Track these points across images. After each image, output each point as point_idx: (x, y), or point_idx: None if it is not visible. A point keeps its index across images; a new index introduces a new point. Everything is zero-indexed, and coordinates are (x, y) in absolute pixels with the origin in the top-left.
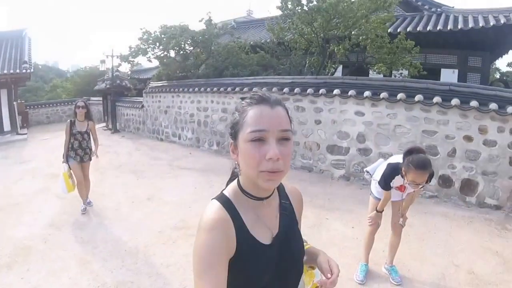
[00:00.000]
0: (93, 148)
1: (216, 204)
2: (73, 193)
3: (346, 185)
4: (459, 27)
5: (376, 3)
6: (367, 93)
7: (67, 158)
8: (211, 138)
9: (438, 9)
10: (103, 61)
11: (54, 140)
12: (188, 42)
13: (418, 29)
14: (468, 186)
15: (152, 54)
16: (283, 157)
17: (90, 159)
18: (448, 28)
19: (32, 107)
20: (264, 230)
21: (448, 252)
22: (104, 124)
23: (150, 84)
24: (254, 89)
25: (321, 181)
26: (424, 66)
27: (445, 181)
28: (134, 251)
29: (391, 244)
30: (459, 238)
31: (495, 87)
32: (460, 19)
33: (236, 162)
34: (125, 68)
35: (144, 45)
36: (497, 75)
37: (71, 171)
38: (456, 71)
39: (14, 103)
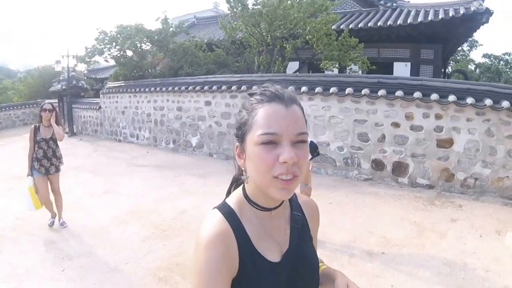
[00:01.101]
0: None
1: (218, 215)
2: None
3: None
4: (409, 21)
5: (314, 7)
6: (303, 89)
7: (32, 170)
8: (167, 136)
9: (394, 4)
10: (58, 61)
11: (9, 146)
12: (144, 42)
13: (369, 25)
14: (399, 168)
15: (109, 54)
16: (299, 161)
17: (57, 170)
18: (398, 23)
19: None
20: (273, 246)
21: (366, 222)
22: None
23: (107, 85)
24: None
25: None
26: (377, 60)
27: (378, 165)
28: (92, 231)
29: None
30: (382, 212)
31: (423, 78)
32: (413, 13)
33: (243, 168)
34: (81, 67)
35: (101, 45)
36: (472, 67)
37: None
38: (409, 64)
39: None
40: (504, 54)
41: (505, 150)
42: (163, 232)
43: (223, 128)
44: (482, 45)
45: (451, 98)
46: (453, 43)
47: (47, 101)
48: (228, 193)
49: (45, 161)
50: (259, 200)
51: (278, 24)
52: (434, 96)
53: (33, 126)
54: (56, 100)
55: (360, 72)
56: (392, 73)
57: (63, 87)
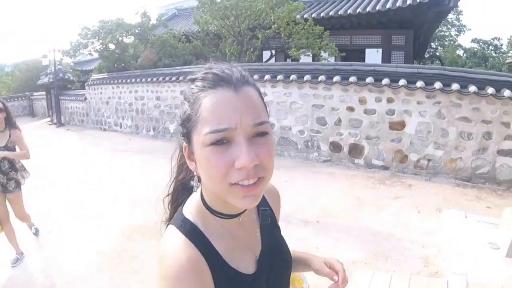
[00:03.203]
0: (22, 170)
1: (179, 237)
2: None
3: None
4: (378, 8)
5: None
6: (267, 77)
7: None
8: (148, 124)
9: None
10: (45, 56)
11: None
12: (124, 35)
13: (339, 13)
14: (355, 150)
15: (92, 48)
16: (262, 160)
17: (18, 186)
18: (368, 10)
19: None
20: (245, 254)
21: (313, 197)
22: (49, 119)
23: (92, 77)
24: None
25: None
26: (350, 47)
27: (335, 147)
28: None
29: None
30: (331, 189)
31: (376, 63)
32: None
33: (195, 174)
34: (68, 60)
35: (84, 40)
36: (460, 52)
37: None
38: (380, 50)
39: None
40: (493, 39)
41: (456, 132)
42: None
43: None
44: (470, 29)
45: (401, 82)
46: (425, 28)
47: None
48: (173, 202)
49: (0, 176)
50: (222, 208)
51: (244, 16)
52: (385, 81)
53: None
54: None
55: (332, 59)
56: (364, 60)
57: (50, 80)
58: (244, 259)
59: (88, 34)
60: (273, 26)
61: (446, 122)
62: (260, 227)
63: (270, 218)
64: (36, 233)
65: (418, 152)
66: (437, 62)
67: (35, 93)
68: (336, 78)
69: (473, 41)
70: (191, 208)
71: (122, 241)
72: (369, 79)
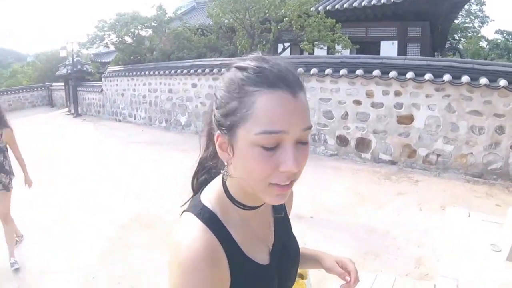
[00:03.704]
0: (14, 172)
1: (197, 223)
2: None
3: None
4: (392, 0)
5: None
6: None
7: None
8: (160, 116)
9: None
10: (63, 47)
11: (16, 127)
12: (139, 28)
13: (354, 5)
14: (362, 144)
15: (109, 41)
16: (301, 167)
17: (5, 188)
18: (382, 1)
19: None
20: (260, 245)
21: (314, 191)
22: (67, 109)
23: (108, 69)
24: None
25: None
26: (365, 40)
27: (342, 141)
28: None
29: None
30: (333, 183)
31: (383, 56)
32: None
33: (226, 163)
34: (89, 51)
35: (101, 32)
36: (483, 44)
37: None
38: (396, 42)
39: None
40: None
41: (467, 126)
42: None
43: (207, 108)
44: (493, 20)
45: (409, 74)
46: (442, 19)
47: None
48: (193, 183)
49: None
50: (245, 200)
51: (253, 9)
52: (393, 74)
53: None
54: (62, 84)
55: (347, 52)
56: (379, 53)
57: (69, 71)
58: (259, 250)
59: (105, 27)
60: (284, 19)
61: (456, 116)
62: (274, 220)
63: (284, 212)
64: (14, 265)
65: (427, 147)
66: (456, 54)
67: (54, 84)
68: (343, 71)
69: (496, 32)
70: (210, 197)
71: (132, 233)
72: (376, 72)
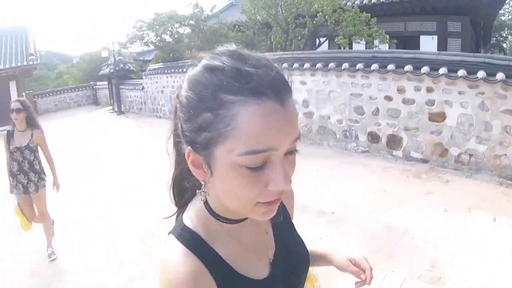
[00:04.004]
0: (47, 173)
1: (178, 248)
2: None
3: None
4: None
5: None
6: (306, 65)
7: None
8: None
9: None
10: (105, 48)
11: (62, 125)
12: (176, 27)
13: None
14: (393, 141)
15: (148, 40)
16: (291, 177)
17: (36, 189)
18: None
19: (40, 96)
20: (256, 259)
21: (339, 188)
22: (111, 107)
23: (149, 67)
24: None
25: None
26: (404, 34)
27: (373, 137)
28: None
29: None
30: (361, 180)
31: (416, 51)
32: None
33: (203, 182)
34: (131, 50)
35: (139, 32)
36: None
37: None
38: (436, 37)
39: (23, 93)
40: None
41: (501, 126)
42: None
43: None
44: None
45: (442, 70)
46: (483, 14)
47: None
48: (178, 204)
49: (21, 176)
50: (230, 214)
51: (284, 5)
52: (425, 69)
53: (6, 131)
54: (106, 82)
55: (386, 47)
56: (419, 48)
57: (111, 71)
58: (255, 264)
59: (143, 26)
60: (318, 14)
61: (490, 115)
62: (272, 226)
63: (283, 216)
64: (51, 256)
65: (459, 146)
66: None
67: (98, 83)
68: (374, 66)
69: None
70: (191, 214)
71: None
72: (408, 67)
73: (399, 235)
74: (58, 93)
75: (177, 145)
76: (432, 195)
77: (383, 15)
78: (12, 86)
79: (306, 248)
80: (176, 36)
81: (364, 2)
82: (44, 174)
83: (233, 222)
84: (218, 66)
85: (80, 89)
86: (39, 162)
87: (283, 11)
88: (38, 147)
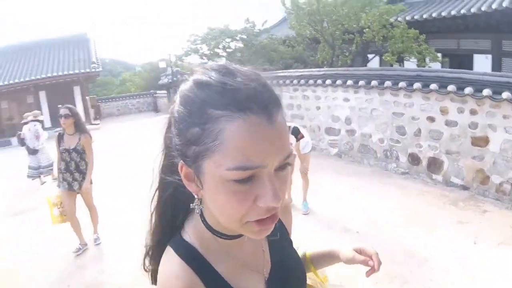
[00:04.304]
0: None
1: (175, 261)
2: None
3: (336, 160)
4: (483, 9)
5: (360, 1)
6: (349, 82)
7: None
8: None
9: None
10: (162, 59)
11: (123, 129)
12: (228, 41)
13: (443, 14)
14: (434, 164)
15: (202, 53)
16: (282, 193)
17: (80, 187)
18: (472, 11)
19: (103, 101)
20: (253, 275)
21: (370, 208)
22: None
23: None
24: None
25: (320, 157)
26: (457, 53)
27: (414, 159)
28: None
29: (302, 185)
30: (394, 202)
31: (462, 70)
32: None
33: (196, 196)
34: (191, 60)
35: (194, 45)
36: None
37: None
38: (490, 56)
39: (87, 97)
40: None
41: None
42: None
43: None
44: None
45: (486, 92)
46: None
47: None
48: (161, 225)
49: (67, 174)
50: (227, 230)
51: (329, 21)
52: (468, 90)
53: (57, 133)
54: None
55: (437, 65)
56: (472, 67)
57: (169, 81)
58: (250, 281)
59: (197, 40)
60: (366, 30)
61: None
62: (269, 244)
63: (280, 233)
64: (96, 240)
65: (501, 174)
66: None
67: (158, 91)
68: (417, 85)
69: None
70: (189, 229)
71: None
72: (451, 87)
73: (418, 262)
74: (121, 99)
75: (170, 160)
76: (465, 225)
77: (436, 32)
78: (76, 90)
79: (303, 266)
80: (228, 50)
81: (415, 17)
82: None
83: (229, 238)
84: (206, 81)
85: (142, 96)
86: (86, 164)
87: (330, 27)
88: (84, 150)
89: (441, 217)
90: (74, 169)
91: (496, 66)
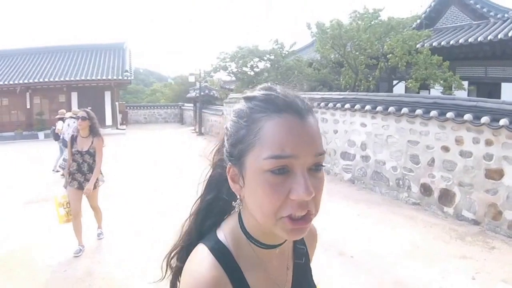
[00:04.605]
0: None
1: (209, 259)
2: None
3: (348, 186)
4: (510, 35)
5: (382, 27)
6: (367, 107)
7: (66, 183)
8: None
9: (506, 15)
10: (192, 74)
11: (147, 136)
12: (255, 61)
13: (469, 40)
14: (445, 196)
15: (230, 70)
16: (316, 194)
17: (93, 186)
18: (499, 37)
19: (132, 107)
20: None
21: (371, 237)
22: (193, 127)
23: (229, 95)
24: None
25: (332, 182)
26: (484, 80)
27: (426, 189)
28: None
29: None
30: (398, 232)
31: (480, 98)
32: None
33: (239, 196)
34: (219, 78)
35: (222, 62)
36: None
37: (68, 199)
38: None
39: (116, 103)
40: None
41: None
42: None
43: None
44: None
45: (502, 122)
46: None
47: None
48: (196, 225)
49: (78, 175)
50: (263, 236)
51: (352, 46)
52: (485, 119)
53: (71, 135)
54: (192, 105)
55: (463, 93)
56: (500, 95)
57: (197, 95)
58: None
59: (226, 58)
60: (388, 56)
61: None
62: (294, 265)
63: (305, 258)
64: (99, 235)
65: None
66: None
67: (185, 104)
68: (433, 113)
69: None
70: (226, 230)
71: None
72: (467, 116)
73: None
74: (149, 108)
75: (219, 169)
76: (468, 260)
77: (463, 59)
78: (107, 95)
79: None
80: (255, 69)
81: (442, 43)
82: (102, 174)
83: (264, 247)
84: (252, 95)
85: (169, 107)
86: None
87: (353, 51)
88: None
89: (444, 251)
90: (87, 171)
91: None
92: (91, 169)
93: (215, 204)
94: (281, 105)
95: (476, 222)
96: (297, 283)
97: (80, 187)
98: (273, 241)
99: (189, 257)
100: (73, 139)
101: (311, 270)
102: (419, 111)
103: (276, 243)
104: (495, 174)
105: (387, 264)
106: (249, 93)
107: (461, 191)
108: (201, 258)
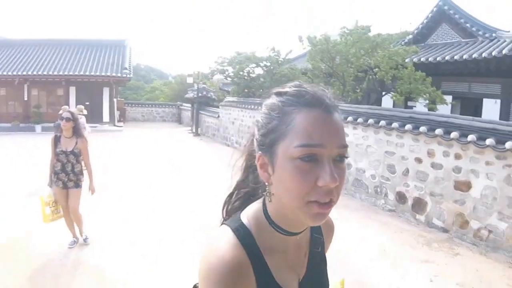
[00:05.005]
0: (85, 175)
1: (232, 239)
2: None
3: None
4: (493, 54)
5: (369, 42)
6: (349, 118)
7: (51, 182)
8: None
9: (493, 34)
10: (190, 75)
11: (144, 134)
12: (252, 66)
13: (455, 58)
14: (418, 205)
15: (227, 74)
16: (339, 183)
17: (77, 186)
18: (483, 55)
19: (130, 105)
20: (291, 274)
21: (341, 240)
22: (190, 128)
23: (226, 99)
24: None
25: None
26: (467, 95)
27: (401, 198)
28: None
29: None
30: (368, 236)
31: (451, 114)
32: (504, 45)
33: (267, 183)
34: (218, 79)
35: (220, 66)
36: None
37: (54, 198)
38: (499, 101)
39: (114, 99)
40: None
41: None
42: None
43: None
44: None
45: (470, 137)
46: None
47: (66, 108)
48: (226, 208)
49: (62, 175)
50: (285, 223)
51: (340, 59)
52: (454, 135)
53: (53, 135)
54: (190, 105)
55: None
56: (481, 111)
57: (195, 96)
58: (289, 279)
59: (224, 62)
60: (374, 70)
61: None
62: (310, 253)
63: (321, 247)
64: (86, 240)
65: (479, 220)
66: None
67: (184, 104)
68: (408, 127)
69: None
70: (249, 215)
71: None
72: (438, 131)
73: None
74: (147, 106)
75: (249, 157)
76: (430, 264)
77: (449, 74)
78: (105, 91)
79: (328, 285)
80: (251, 75)
81: (429, 59)
82: (83, 176)
83: (285, 233)
84: (284, 91)
85: (168, 106)
86: (80, 165)
87: (341, 64)
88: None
89: (409, 255)
90: (70, 171)
91: (505, 110)
92: (73, 170)
93: (243, 188)
94: (311, 100)
95: (445, 230)
96: (311, 270)
97: (65, 187)
98: (294, 228)
99: (212, 237)
100: (57, 139)
101: (326, 260)
102: (395, 124)
103: (297, 230)
104: (463, 186)
105: (354, 265)
106: (280, 89)
107: (432, 200)
108: (224, 238)
